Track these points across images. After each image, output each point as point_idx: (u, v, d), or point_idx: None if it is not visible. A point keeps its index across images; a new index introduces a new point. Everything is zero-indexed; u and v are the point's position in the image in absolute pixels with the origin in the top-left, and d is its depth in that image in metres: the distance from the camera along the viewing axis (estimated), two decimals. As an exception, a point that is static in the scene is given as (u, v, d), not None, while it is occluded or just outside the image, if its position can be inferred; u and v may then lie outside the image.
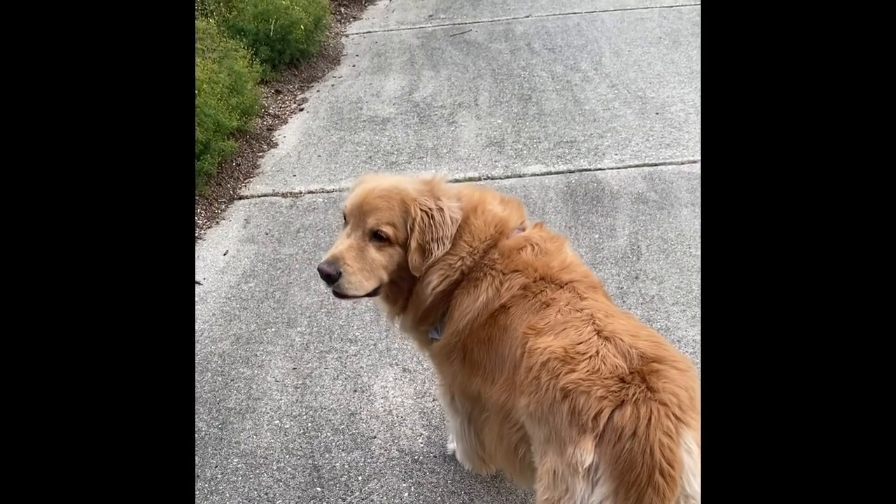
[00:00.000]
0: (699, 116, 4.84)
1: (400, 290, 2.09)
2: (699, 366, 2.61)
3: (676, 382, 1.63)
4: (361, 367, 2.93)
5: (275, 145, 4.96)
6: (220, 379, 2.93)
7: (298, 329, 3.17)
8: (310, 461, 2.54)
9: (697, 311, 3.09)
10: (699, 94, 5.17)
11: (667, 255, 3.48)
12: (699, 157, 4.37)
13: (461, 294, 2.01)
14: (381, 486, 2.43)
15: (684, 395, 1.61)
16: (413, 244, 1.98)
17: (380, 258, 2.00)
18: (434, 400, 2.73)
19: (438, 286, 2.01)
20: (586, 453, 1.60)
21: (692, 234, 3.61)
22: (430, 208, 1.99)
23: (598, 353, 1.68)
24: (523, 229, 2.09)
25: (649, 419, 1.56)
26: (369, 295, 2.07)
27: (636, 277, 3.34)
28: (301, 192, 4.32)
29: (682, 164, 4.31)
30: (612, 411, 1.58)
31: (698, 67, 5.59)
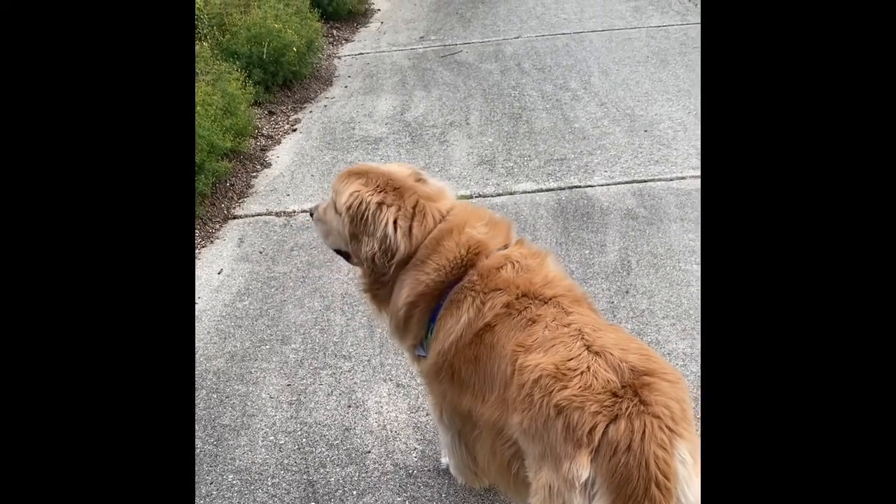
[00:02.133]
0: (687, 133, 4.92)
1: (376, 283, 2.17)
2: (689, 378, 2.64)
3: (668, 395, 1.66)
4: (355, 383, 2.96)
5: (268, 165, 5.01)
6: (214, 396, 2.95)
7: (293, 346, 3.20)
8: (304, 476, 2.56)
9: (687, 324, 3.13)
10: (687, 111, 5.26)
11: (656, 270, 3.52)
12: (687, 174, 4.44)
13: (445, 315, 2.06)
14: (376, 501, 2.44)
15: (676, 406, 1.65)
16: (348, 228, 2.12)
17: (335, 222, 2.19)
18: (428, 414, 2.75)
19: (408, 297, 2.08)
20: (582, 468, 1.62)
21: (681, 249, 3.66)
22: (365, 202, 2.07)
23: (589, 368, 1.70)
24: (506, 248, 2.12)
25: (643, 432, 1.59)
26: (344, 256, 2.29)
27: (626, 292, 3.38)
28: (295, 212, 4.35)
29: (671, 180, 4.37)
30: (607, 426, 1.61)
31: (686, 86, 5.69)
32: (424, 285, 2.07)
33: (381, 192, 2.10)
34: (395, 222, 2.06)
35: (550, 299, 1.95)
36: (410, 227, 2.07)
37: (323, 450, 2.66)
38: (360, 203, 2.08)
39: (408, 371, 2.97)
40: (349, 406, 2.85)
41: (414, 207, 2.09)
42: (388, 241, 2.06)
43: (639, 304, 3.29)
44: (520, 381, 1.78)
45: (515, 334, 1.90)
